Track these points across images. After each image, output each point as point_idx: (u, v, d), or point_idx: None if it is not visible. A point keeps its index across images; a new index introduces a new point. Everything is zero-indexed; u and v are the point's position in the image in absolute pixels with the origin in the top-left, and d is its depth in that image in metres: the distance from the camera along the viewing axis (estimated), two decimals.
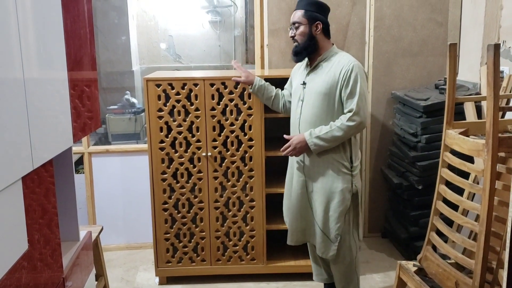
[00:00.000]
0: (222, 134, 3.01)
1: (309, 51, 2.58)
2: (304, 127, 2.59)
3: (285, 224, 3.16)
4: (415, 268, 2.37)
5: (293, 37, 2.60)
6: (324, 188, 2.57)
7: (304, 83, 2.62)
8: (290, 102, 2.85)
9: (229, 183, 3.07)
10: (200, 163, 3.04)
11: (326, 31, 2.60)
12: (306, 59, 2.65)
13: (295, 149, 2.55)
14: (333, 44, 2.65)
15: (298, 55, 2.60)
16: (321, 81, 2.54)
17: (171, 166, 3.04)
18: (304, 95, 2.60)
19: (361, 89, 2.47)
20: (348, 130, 2.46)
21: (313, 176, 2.61)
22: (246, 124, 3.01)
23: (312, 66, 2.61)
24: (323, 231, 2.60)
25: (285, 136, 2.61)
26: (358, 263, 2.72)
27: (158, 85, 2.95)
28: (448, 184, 2.27)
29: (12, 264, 1.24)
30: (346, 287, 2.72)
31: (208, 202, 3.09)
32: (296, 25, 2.58)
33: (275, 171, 3.36)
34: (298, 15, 2.58)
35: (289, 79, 2.88)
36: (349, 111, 2.47)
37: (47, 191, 1.51)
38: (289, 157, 2.75)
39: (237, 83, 2.92)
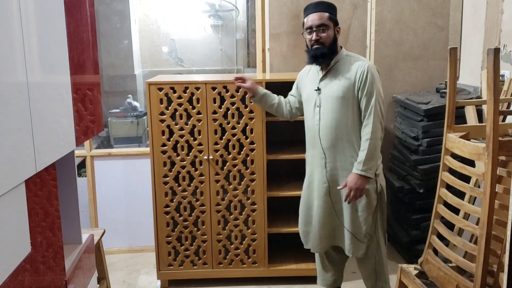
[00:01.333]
0: (223, 137, 3.02)
1: (333, 55, 2.57)
2: (325, 132, 2.57)
3: (286, 228, 3.18)
4: (416, 272, 2.37)
5: (317, 40, 2.53)
6: None
7: (318, 89, 2.60)
8: (297, 108, 2.84)
9: (231, 186, 3.08)
10: (201, 167, 3.05)
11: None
12: (314, 64, 2.63)
13: (357, 189, 2.48)
14: (341, 47, 2.64)
15: (325, 57, 2.55)
16: (337, 85, 2.53)
17: (173, 169, 3.05)
18: (321, 100, 2.58)
19: (377, 90, 2.50)
20: (375, 134, 2.47)
21: (337, 180, 2.61)
22: (247, 127, 3.02)
23: (326, 70, 2.59)
24: (352, 232, 2.60)
25: (339, 187, 2.56)
26: (386, 259, 2.72)
27: (160, 89, 2.97)
28: (449, 188, 2.28)
29: (15, 267, 1.25)
30: (375, 284, 2.73)
31: (210, 205, 3.10)
32: (323, 27, 2.53)
33: (277, 174, 3.37)
34: (325, 17, 2.53)
35: (294, 85, 2.86)
36: (364, 116, 2.50)
37: (50, 194, 1.52)
38: (308, 165, 2.73)
39: (238, 87, 2.91)
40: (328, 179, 2.62)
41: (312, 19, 2.54)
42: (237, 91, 2.97)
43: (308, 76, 2.72)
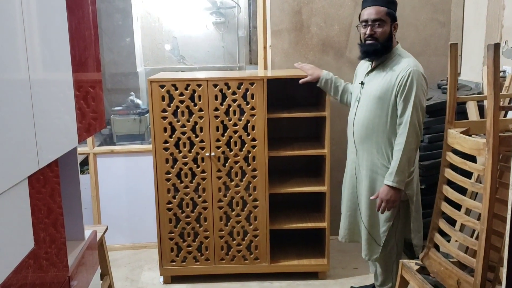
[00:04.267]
0: (225, 134, 3.02)
1: (388, 51, 2.49)
2: (357, 129, 2.57)
3: (288, 224, 3.20)
4: (417, 267, 2.38)
5: (372, 35, 2.46)
6: (371, 192, 2.58)
7: (362, 83, 2.57)
8: None
9: (233, 183, 3.09)
10: (203, 163, 3.06)
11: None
12: (366, 59, 2.60)
13: (388, 201, 2.45)
14: (397, 43, 2.56)
15: (377, 54, 2.48)
16: (377, 84, 2.48)
17: (175, 166, 3.07)
18: (361, 96, 2.56)
19: (416, 98, 2.38)
20: (409, 145, 2.41)
21: (361, 179, 2.63)
22: (249, 124, 3.02)
23: (373, 67, 2.55)
24: (370, 232, 2.62)
25: (371, 197, 2.55)
26: (397, 268, 2.67)
27: (162, 86, 2.97)
28: (451, 183, 2.28)
29: (19, 262, 1.26)
30: (380, 284, 2.77)
31: (212, 202, 3.11)
32: (379, 22, 2.45)
33: (278, 171, 3.38)
34: (382, 12, 2.44)
35: (354, 73, 2.84)
36: (400, 123, 2.43)
37: (53, 191, 1.53)
38: (348, 158, 2.76)
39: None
40: (356, 174, 2.64)
41: (369, 12, 2.46)
42: (238, 88, 2.97)
43: (362, 67, 2.69)
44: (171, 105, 2.99)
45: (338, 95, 2.85)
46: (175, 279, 3.26)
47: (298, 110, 3.15)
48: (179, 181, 3.09)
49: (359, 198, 2.69)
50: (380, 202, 2.48)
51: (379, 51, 2.47)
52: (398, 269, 2.47)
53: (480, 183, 2.42)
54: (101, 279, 2.87)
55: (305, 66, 2.90)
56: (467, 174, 2.30)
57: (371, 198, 2.55)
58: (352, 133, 2.62)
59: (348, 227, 2.76)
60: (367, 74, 2.57)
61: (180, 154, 3.05)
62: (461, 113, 3.11)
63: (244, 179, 3.09)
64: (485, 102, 3.11)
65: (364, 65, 2.68)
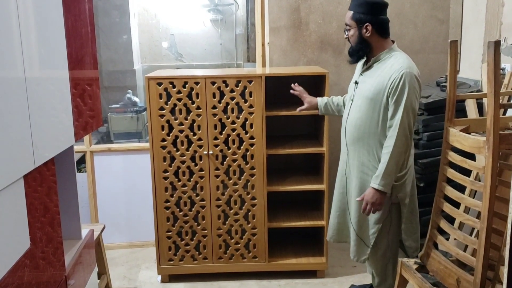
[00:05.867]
0: (223, 132, 3.01)
1: (361, 54, 2.50)
2: (349, 129, 2.55)
3: (286, 222, 3.19)
4: (417, 265, 2.37)
5: (347, 38, 2.54)
6: (361, 193, 2.55)
7: (356, 83, 2.56)
8: None
9: (231, 181, 3.08)
10: (201, 161, 3.04)
11: (381, 31, 2.45)
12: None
13: (374, 204, 2.43)
14: (393, 42, 2.52)
15: (351, 56, 2.55)
16: (370, 84, 2.46)
17: (173, 164, 3.05)
18: (354, 95, 2.55)
19: (407, 101, 2.34)
20: (398, 149, 2.37)
21: (351, 180, 2.62)
22: (247, 122, 3.01)
23: (366, 66, 2.53)
24: (358, 234, 2.61)
25: (357, 199, 2.52)
26: (393, 269, 2.67)
27: (160, 84, 2.96)
28: (450, 182, 2.27)
29: (15, 262, 1.24)
30: (377, 285, 2.76)
31: (210, 200, 3.10)
32: (347, 27, 2.51)
33: (277, 169, 3.37)
34: (348, 17, 2.49)
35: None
36: (390, 126, 2.40)
37: (49, 189, 1.51)
38: (340, 158, 2.73)
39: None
40: (347, 175, 2.62)
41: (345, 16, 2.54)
42: (237, 85, 2.96)
43: (358, 65, 2.68)
44: (169, 103, 2.97)
45: (342, 111, 2.80)
46: (173, 278, 3.25)
47: (297, 108, 3.13)
48: (176, 179, 3.08)
49: (348, 199, 2.66)
50: (366, 204, 2.46)
51: (351, 54, 2.55)
52: (396, 269, 2.46)
53: (479, 181, 2.42)
54: (98, 278, 2.86)
55: (303, 93, 2.86)
56: (465, 172, 2.29)
57: (357, 199, 2.53)
58: (345, 133, 2.60)
59: (336, 227, 2.75)
60: (362, 73, 2.56)
61: (178, 152, 3.03)
62: (460, 111, 3.10)
63: (242, 178, 3.08)
64: (484, 100, 3.11)
65: (361, 63, 2.66)
